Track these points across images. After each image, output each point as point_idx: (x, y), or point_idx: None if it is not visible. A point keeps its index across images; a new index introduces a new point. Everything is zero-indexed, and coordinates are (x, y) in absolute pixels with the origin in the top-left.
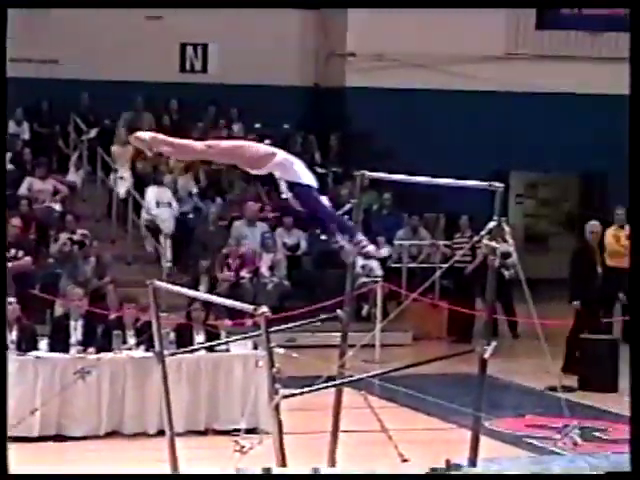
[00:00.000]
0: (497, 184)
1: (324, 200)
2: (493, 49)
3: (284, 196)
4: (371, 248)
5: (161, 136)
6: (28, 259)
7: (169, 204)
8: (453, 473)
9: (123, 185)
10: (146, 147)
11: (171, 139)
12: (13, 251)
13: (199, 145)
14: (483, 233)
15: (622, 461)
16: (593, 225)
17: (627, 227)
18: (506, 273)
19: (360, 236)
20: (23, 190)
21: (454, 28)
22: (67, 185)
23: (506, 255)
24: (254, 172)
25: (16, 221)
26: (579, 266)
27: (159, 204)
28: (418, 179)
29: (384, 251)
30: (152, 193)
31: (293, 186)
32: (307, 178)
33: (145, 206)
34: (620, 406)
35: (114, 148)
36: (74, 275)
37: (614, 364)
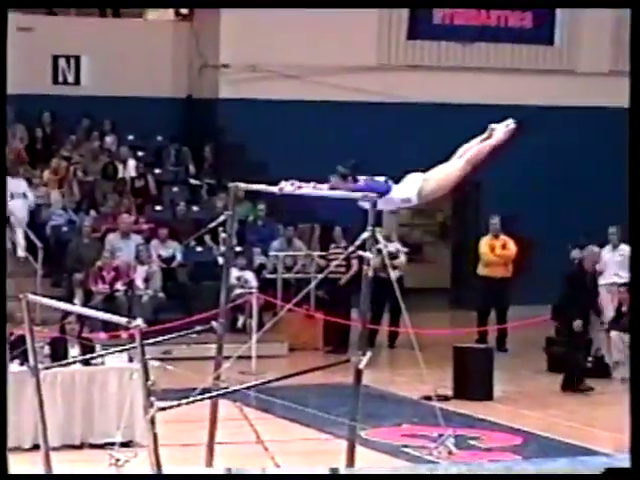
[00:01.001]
0: (371, 194)
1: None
2: (365, 59)
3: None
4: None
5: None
6: None
7: (24, 195)
8: (451, 473)
9: None
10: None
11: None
12: None
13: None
14: (357, 243)
15: (497, 469)
16: (590, 250)
17: (502, 236)
18: (392, 274)
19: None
20: None
21: (326, 39)
22: None
23: (393, 256)
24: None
25: None
26: (577, 289)
27: (13, 195)
28: (292, 191)
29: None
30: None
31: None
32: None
33: None
34: (495, 414)
35: None
36: None
37: (489, 372)
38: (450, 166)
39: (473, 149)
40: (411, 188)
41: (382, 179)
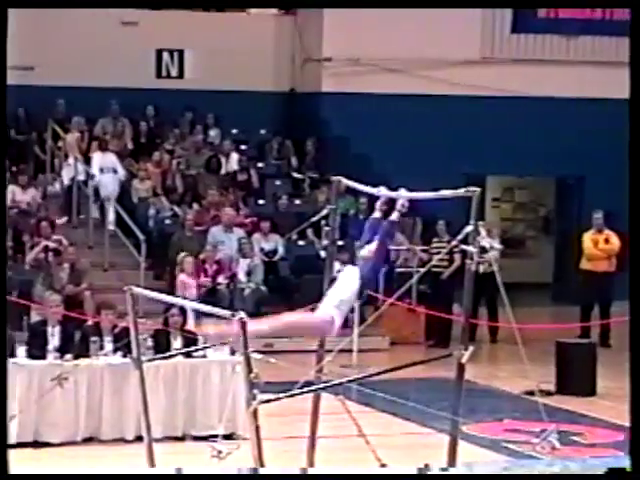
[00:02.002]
0: (473, 188)
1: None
2: (469, 53)
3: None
4: None
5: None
6: None
7: (113, 170)
8: (449, 473)
9: (69, 172)
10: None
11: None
12: None
13: (264, 327)
14: (460, 237)
15: (599, 465)
16: None
17: (605, 231)
18: (480, 267)
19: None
20: (8, 200)
21: (430, 33)
22: (46, 192)
23: (483, 249)
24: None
25: None
26: None
27: (103, 170)
28: (394, 194)
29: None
30: (97, 159)
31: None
32: (351, 282)
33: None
34: (597, 410)
35: (67, 137)
36: (49, 282)
37: (592, 368)
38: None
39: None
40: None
41: None
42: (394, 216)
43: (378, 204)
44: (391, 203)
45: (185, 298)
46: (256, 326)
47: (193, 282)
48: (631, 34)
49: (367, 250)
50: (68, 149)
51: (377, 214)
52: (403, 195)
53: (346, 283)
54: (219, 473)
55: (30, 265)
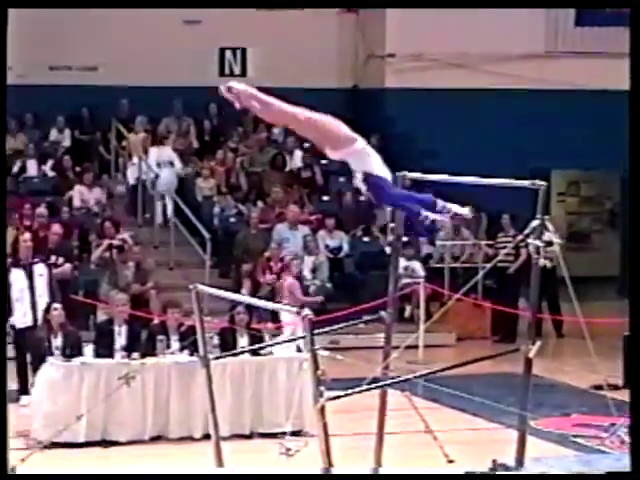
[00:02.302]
0: (539, 182)
1: (398, 189)
2: (533, 47)
3: (360, 187)
4: (455, 207)
5: (253, 90)
6: (68, 265)
7: (170, 163)
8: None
9: (134, 172)
10: (235, 99)
11: (262, 96)
12: (53, 258)
13: (288, 109)
14: (526, 232)
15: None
16: None
17: None
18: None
19: (441, 202)
20: (76, 200)
21: (493, 27)
22: (111, 192)
23: (549, 244)
24: (330, 154)
25: (56, 227)
26: None
27: (160, 164)
28: (460, 179)
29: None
30: (153, 153)
31: (368, 177)
32: (382, 170)
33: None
34: None
35: (130, 136)
36: (114, 280)
37: None
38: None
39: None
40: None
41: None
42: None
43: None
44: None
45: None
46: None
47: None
48: (631, 34)
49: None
50: (132, 149)
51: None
52: (469, 181)
53: (382, 166)
54: (220, 473)
55: (95, 264)
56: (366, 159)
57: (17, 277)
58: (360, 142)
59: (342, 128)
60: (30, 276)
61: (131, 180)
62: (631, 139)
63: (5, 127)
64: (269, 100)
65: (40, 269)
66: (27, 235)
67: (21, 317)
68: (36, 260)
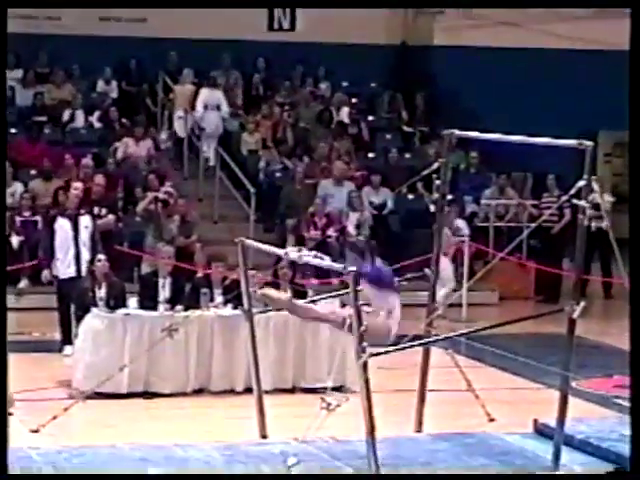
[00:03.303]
0: (587, 142)
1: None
2: (580, 8)
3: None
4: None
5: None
6: (111, 217)
7: (218, 107)
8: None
9: (180, 124)
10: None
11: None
12: (97, 209)
13: (327, 314)
14: (572, 192)
15: None
16: None
17: None
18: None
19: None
20: (119, 151)
21: None
22: (157, 144)
23: (596, 206)
24: None
25: (100, 179)
26: None
27: (207, 107)
28: (507, 138)
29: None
30: (203, 95)
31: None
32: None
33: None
34: None
35: (177, 88)
36: (159, 234)
37: None
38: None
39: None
40: None
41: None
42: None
43: None
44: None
45: None
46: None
47: None
48: (631, 34)
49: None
50: (179, 101)
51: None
52: (516, 140)
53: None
54: (220, 473)
55: (140, 217)
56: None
57: (63, 227)
58: (393, 324)
59: (377, 323)
60: (76, 227)
61: (178, 132)
62: (631, 139)
63: (5, 125)
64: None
65: (86, 221)
66: (78, 184)
67: (65, 268)
68: (82, 212)
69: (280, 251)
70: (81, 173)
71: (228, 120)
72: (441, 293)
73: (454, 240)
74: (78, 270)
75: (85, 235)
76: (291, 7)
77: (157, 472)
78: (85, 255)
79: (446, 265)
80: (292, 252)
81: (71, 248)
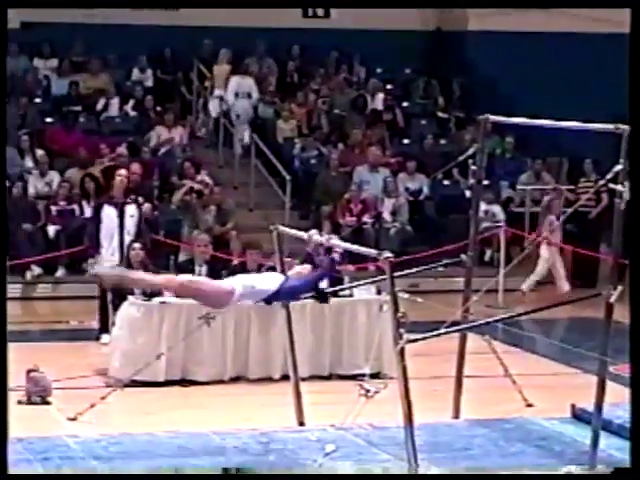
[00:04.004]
0: (623, 126)
1: (298, 279)
2: None
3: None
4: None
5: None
6: (147, 205)
7: (248, 95)
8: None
9: (216, 105)
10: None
11: (135, 276)
12: (132, 197)
13: (160, 280)
14: (609, 177)
15: None
16: None
17: None
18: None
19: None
20: (153, 139)
21: None
22: (193, 132)
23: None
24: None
25: (135, 167)
26: None
27: (238, 94)
28: (542, 122)
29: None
30: (234, 82)
31: (275, 294)
32: (271, 282)
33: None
34: None
35: (215, 68)
36: (195, 224)
37: None
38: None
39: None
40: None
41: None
42: (335, 255)
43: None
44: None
45: None
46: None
47: None
48: (631, 34)
49: (298, 270)
50: (216, 81)
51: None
52: (552, 124)
53: (266, 279)
54: (219, 473)
55: (177, 207)
56: (254, 292)
57: (109, 215)
58: (237, 288)
59: (213, 285)
60: (121, 215)
61: (213, 113)
62: (631, 143)
63: (5, 123)
64: (139, 277)
65: (132, 210)
66: (123, 171)
67: (109, 256)
68: (129, 200)
69: (305, 234)
70: (117, 161)
71: (263, 108)
72: (532, 277)
73: (555, 225)
74: (122, 259)
75: (130, 224)
76: (314, 7)
77: (195, 461)
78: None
79: (544, 251)
80: (315, 235)
81: (115, 236)
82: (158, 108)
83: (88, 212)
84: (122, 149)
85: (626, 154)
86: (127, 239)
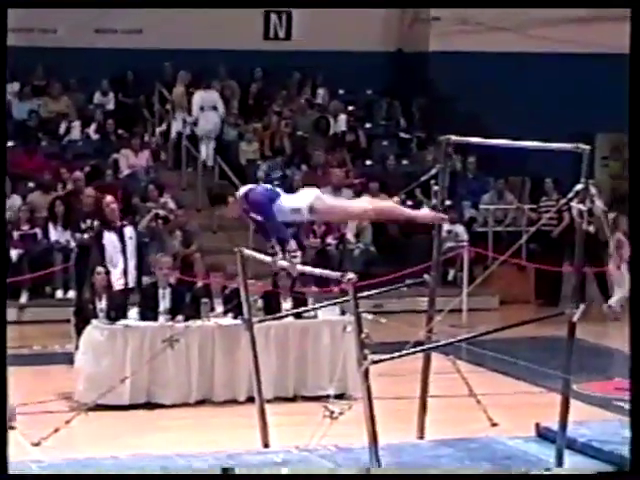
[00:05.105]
0: (583, 146)
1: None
2: (578, 10)
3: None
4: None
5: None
6: None
7: (214, 107)
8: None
9: (178, 126)
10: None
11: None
12: (89, 221)
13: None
14: (570, 196)
15: None
16: None
17: None
18: (591, 227)
19: (293, 245)
20: (121, 162)
21: None
22: (156, 155)
23: (590, 212)
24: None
25: (89, 191)
26: None
27: (203, 108)
28: (503, 142)
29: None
30: (198, 97)
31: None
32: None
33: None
34: None
35: (174, 90)
36: (162, 250)
37: None
38: (355, 202)
39: (389, 205)
40: (303, 200)
41: (268, 186)
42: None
43: None
44: None
45: None
46: None
47: None
48: (631, 34)
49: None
50: (176, 104)
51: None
52: (512, 144)
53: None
54: (220, 473)
55: (142, 234)
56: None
57: (110, 241)
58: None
59: None
60: (122, 239)
61: (173, 134)
62: (631, 138)
63: (5, 125)
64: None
65: (129, 231)
66: (109, 198)
67: (115, 281)
68: (125, 223)
69: (268, 259)
70: (73, 186)
71: (226, 129)
72: (615, 298)
73: (623, 242)
74: (126, 282)
75: (131, 246)
76: (289, 7)
77: None
78: (131, 266)
79: (614, 270)
80: (279, 259)
81: (120, 261)
82: (120, 131)
83: (54, 236)
84: (78, 173)
85: (586, 173)
86: (130, 262)
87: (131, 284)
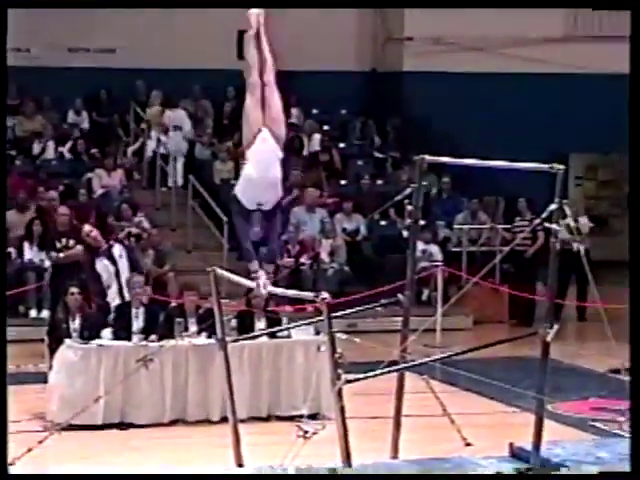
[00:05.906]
0: (557, 166)
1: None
2: (551, 31)
3: None
4: (262, 283)
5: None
6: (79, 248)
7: (180, 128)
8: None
9: (152, 145)
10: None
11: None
12: (64, 240)
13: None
14: (544, 216)
15: None
16: None
17: None
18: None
19: (255, 266)
20: (96, 185)
21: (512, 11)
22: (130, 174)
23: (572, 230)
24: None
25: (62, 210)
26: None
27: (168, 129)
28: (477, 162)
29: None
30: (166, 117)
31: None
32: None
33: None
34: None
35: (149, 110)
36: (135, 268)
37: None
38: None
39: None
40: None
41: None
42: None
43: None
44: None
45: None
46: None
47: None
48: (631, 34)
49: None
50: (150, 123)
51: None
52: (486, 164)
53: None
54: (219, 473)
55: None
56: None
57: (103, 266)
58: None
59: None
60: (113, 261)
61: (150, 154)
62: (631, 146)
63: (5, 126)
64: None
65: (118, 250)
66: (87, 227)
67: (112, 301)
68: (111, 243)
69: (250, 283)
70: (47, 204)
71: (199, 149)
72: None
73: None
74: (122, 298)
75: (122, 264)
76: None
77: None
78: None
79: None
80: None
81: (114, 283)
82: (94, 150)
83: (28, 255)
84: (52, 193)
85: (560, 193)
86: (124, 279)
87: (127, 298)
